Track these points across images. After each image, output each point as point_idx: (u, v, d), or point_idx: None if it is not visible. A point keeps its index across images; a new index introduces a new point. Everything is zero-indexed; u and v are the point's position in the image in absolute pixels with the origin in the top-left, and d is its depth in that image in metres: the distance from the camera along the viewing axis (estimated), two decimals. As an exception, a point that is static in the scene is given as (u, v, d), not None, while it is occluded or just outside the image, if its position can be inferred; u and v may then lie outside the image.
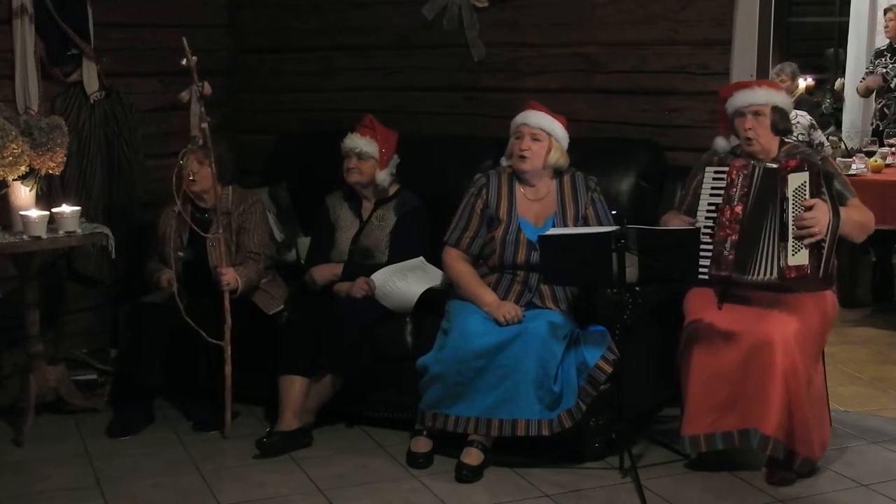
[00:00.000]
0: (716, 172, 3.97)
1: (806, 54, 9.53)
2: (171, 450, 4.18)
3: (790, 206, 3.76)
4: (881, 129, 7.17)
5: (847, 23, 7.91)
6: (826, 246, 3.73)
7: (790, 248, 3.75)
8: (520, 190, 4.18)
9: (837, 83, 8.18)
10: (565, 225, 4.10)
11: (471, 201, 4.20)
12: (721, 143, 4.09)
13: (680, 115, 4.67)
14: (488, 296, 4.02)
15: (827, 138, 6.95)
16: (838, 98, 7.96)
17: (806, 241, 3.72)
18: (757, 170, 3.87)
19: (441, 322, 4.07)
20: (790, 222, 3.75)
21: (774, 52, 5.11)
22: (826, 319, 3.89)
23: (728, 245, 3.83)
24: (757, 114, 3.95)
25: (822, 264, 3.74)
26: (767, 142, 3.97)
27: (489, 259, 4.13)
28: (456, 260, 4.16)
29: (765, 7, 4.51)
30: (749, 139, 3.95)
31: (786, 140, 4.08)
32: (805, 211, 3.73)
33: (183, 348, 4.30)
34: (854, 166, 6.18)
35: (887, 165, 6.34)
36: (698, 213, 3.94)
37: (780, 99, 4.03)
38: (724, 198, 3.88)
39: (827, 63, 9.39)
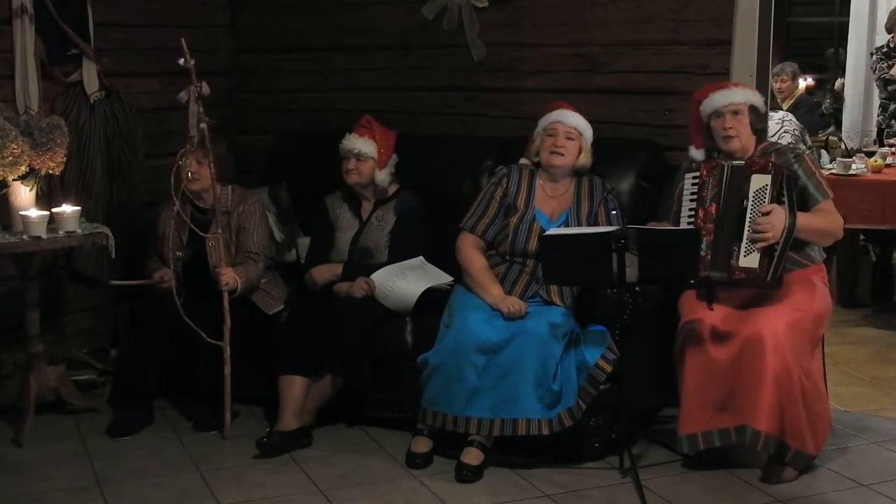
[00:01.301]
0: (693, 178, 4.00)
1: (806, 54, 9.53)
2: (171, 450, 4.18)
3: (749, 207, 3.80)
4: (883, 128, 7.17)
5: (847, 23, 7.90)
6: (778, 251, 3.76)
7: (742, 249, 3.79)
8: (540, 185, 4.21)
9: (837, 83, 8.18)
10: (578, 222, 4.14)
11: (491, 189, 4.23)
12: (695, 152, 4.10)
13: (680, 115, 4.66)
14: (495, 289, 4.03)
15: (827, 138, 6.95)
16: (838, 98, 7.95)
17: (758, 245, 3.76)
18: (726, 168, 3.91)
19: (442, 317, 4.08)
20: (746, 223, 3.79)
21: (774, 52, 5.10)
22: (819, 313, 3.89)
23: (705, 245, 3.85)
24: (736, 113, 3.97)
25: (772, 269, 3.77)
26: (747, 140, 3.99)
27: (500, 246, 4.15)
28: (470, 247, 4.18)
29: (765, 7, 4.51)
30: (729, 137, 3.95)
31: (761, 138, 4.10)
32: (762, 215, 3.75)
33: (182, 349, 4.30)
34: (854, 166, 6.19)
35: (887, 165, 6.34)
36: (681, 220, 3.97)
37: (757, 99, 4.06)
38: (698, 199, 3.93)
39: (827, 63, 9.38)
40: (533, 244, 4.09)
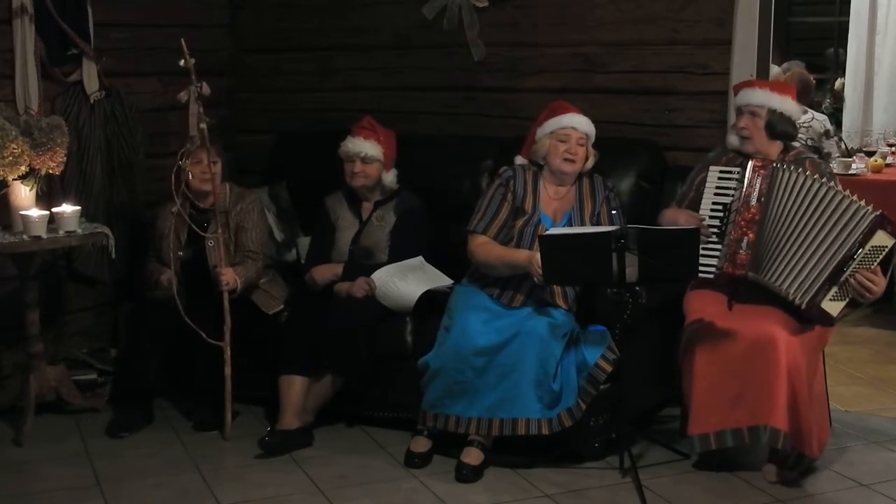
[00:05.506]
0: (721, 172, 3.95)
1: (806, 54, 9.53)
2: (171, 450, 4.18)
3: (859, 258, 3.68)
4: None
5: (847, 23, 7.89)
6: (855, 310, 3.76)
7: (832, 293, 3.72)
8: (543, 187, 4.20)
9: (837, 83, 8.17)
10: (581, 222, 4.12)
11: (499, 191, 4.20)
12: (734, 140, 4.05)
13: (680, 115, 4.67)
14: (522, 254, 4.01)
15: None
16: (838, 98, 7.95)
17: (850, 297, 3.71)
18: (786, 174, 3.79)
19: (442, 319, 4.08)
20: (850, 271, 3.68)
21: (774, 52, 5.10)
22: None
23: (745, 244, 3.81)
24: (753, 114, 3.95)
25: (839, 319, 3.76)
26: (762, 143, 3.95)
27: None
28: (485, 243, 4.13)
29: (765, 7, 4.51)
30: (743, 138, 3.95)
31: (790, 145, 4.05)
32: (872, 274, 3.67)
33: (182, 348, 4.30)
34: (854, 166, 6.19)
35: (887, 165, 6.35)
36: (701, 211, 3.94)
37: (779, 102, 3.96)
38: (741, 197, 3.84)
39: (827, 63, 9.38)
40: (537, 246, 4.07)
